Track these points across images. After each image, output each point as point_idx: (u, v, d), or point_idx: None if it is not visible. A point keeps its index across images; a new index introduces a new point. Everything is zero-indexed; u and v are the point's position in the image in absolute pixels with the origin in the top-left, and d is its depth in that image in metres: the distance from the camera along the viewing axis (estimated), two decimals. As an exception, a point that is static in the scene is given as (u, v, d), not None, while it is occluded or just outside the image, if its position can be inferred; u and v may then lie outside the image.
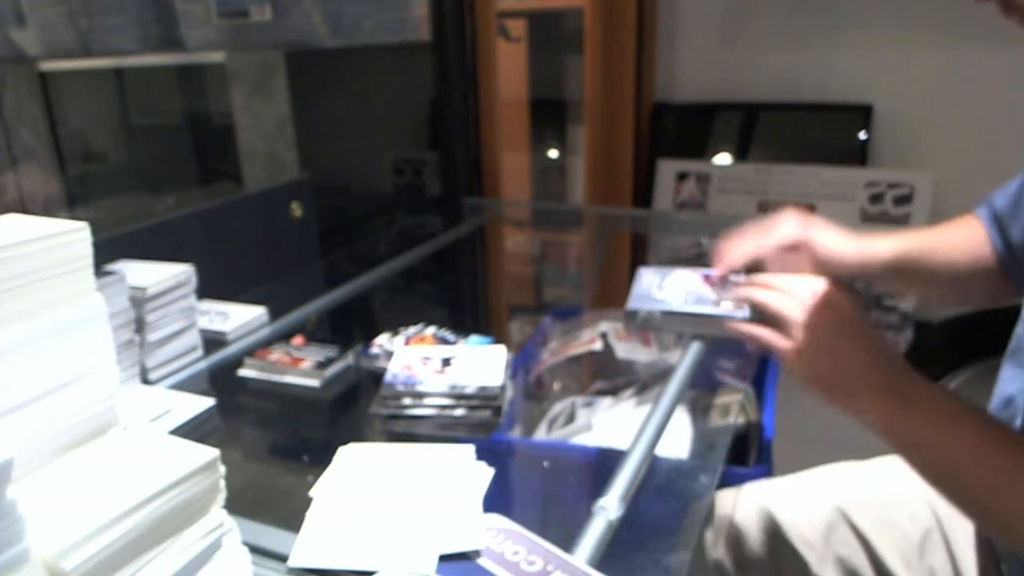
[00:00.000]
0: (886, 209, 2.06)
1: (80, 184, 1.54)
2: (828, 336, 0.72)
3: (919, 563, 0.86)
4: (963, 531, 0.86)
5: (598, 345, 1.09)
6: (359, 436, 0.80)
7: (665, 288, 0.91)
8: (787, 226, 0.85)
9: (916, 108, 2.08)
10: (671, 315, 0.87)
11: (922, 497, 0.89)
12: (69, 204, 1.42)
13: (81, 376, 0.54)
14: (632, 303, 0.90)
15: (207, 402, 0.91)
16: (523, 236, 1.88)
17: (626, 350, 1.09)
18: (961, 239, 0.86)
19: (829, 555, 0.89)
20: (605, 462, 0.79)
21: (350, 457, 0.73)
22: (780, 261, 0.85)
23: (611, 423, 0.93)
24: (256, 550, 0.60)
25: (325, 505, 0.66)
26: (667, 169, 2.29)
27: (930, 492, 0.88)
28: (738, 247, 0.87)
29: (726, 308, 0.84)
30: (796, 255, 0.85)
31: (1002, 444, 0.62)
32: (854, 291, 2.09)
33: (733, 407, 0.94)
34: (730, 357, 1.03)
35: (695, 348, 0.87)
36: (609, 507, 0.62)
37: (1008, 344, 0.77)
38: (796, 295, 0.74)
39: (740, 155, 2.27)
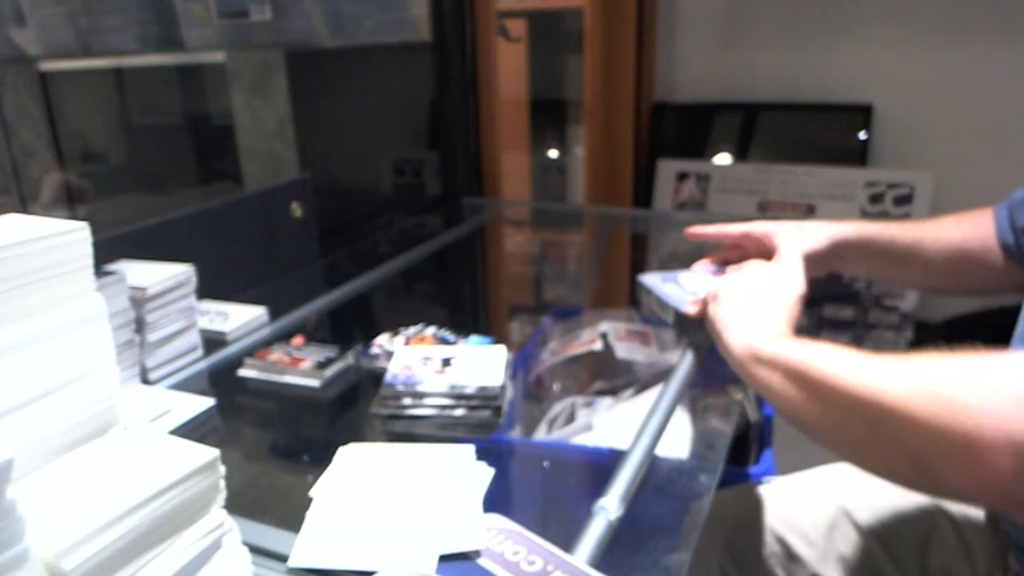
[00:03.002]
0: (886, 209, 2.06)
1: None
2: (740, 292, 0.76)
3: (922, 561, 0.86)
4: (967, 529, 0.86)
5: (598, 345, 1.09)
6: (359, 436, 0.80)
7: (696, 291, 0.89)
8: (754, 224, 0.92)
9: (916, 108, 2.09)
10: None
11: (925, 496, 0.89)
12: (69, 204, 1.42)
13: (81, 376, 0.54)
14: (687, 311, 0.88)
15: (207, 402, 0.91)
16: (523, 236, 1.88)
17: (626, 350, 1.09)
18: (952, 225, 0.88)
19: (831, 554, 0.89)
20: (605, 462, 0.79)
21: (350, 457, 0.73)
22: (741, 247, 0.93)
23: (611, 423, 0.93)
24: (256, 550, 0.60)
25: (325, 505, 0.65)
26: (667, 169, 2.29)
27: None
28: (708, 228, 0.95)
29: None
30: (757, 244, 0.92)
31: (882, 388, 0.54)
32: (853, 291, 2.09)
33: (733, 407, 0.93)
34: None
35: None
36: (609, 507, 0.62)
37: (1014, 331, 0.76)
38: (735, 276, 0.79)
39: (740, 155, 2.27)
